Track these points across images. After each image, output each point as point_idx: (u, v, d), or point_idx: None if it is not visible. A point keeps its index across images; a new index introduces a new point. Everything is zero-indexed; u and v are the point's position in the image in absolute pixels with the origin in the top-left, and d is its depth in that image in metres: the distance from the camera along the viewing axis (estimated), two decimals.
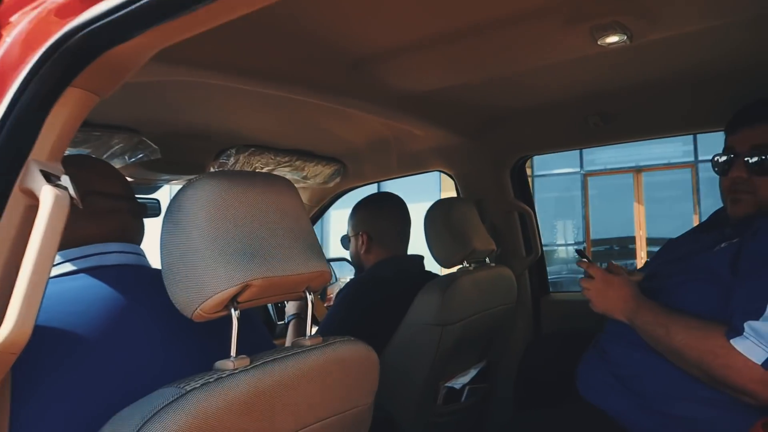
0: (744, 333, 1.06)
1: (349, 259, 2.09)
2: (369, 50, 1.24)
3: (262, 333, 1.07)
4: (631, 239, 8.67)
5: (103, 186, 1.00)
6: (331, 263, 2.65)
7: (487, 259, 1.91)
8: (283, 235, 0.88)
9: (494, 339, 1.94)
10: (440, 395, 1.72)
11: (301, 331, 1.93)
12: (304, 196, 2.55)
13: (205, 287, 0.77)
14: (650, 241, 8.50)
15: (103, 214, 0.97)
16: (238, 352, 0.80)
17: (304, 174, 2.21)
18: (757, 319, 1.06)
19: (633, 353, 1.30)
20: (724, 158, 1.34)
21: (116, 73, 0.72)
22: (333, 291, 2.47)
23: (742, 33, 1.23)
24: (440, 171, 2.17)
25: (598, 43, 1.20)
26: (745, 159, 1.28)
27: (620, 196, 8.98)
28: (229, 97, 1.44)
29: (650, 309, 1.25)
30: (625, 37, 1.17)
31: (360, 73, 1.34)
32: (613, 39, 1.18)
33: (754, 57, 1.36)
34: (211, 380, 0.75)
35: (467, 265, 1.80)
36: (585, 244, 8.92)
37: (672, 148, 8.57)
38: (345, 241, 2.04)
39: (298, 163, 2.12)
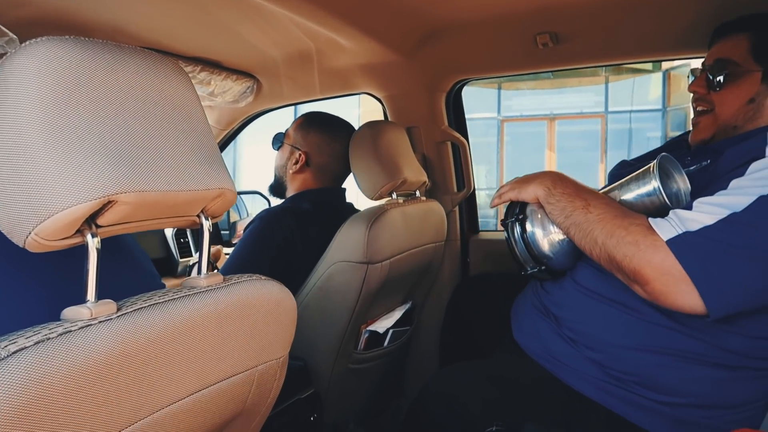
0: (667, 218, 0.98)
1: (272, 180, 1.78)
2: None
3: (142, 268, 0.83)
4: None
5: None
6: (242, 196, 2.37)
7: (418, 192, 1.74)
8: (168, 134, 0.63)
9: (421, 279, 1.79)
10: (361, 340, 1.55)
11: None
12: (211, 118, 2.23)
13: (43, 202, 0.54)
14: None
15: None
16: (101, 295, 0.59)
17: (211, 90, 1.90)
18: (684, 209, 0.98)
19: (575, 294, 1.17)
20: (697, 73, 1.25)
21: None
22: (244, 227, 2.19)
23: None
24: (368, 93, 1.93)
25: None
26: (708, 73, 1.19)
27: (533, 144, 9.14)
28: None
29: (573, 183, 1.14)
30: None
31: None
32: None
33: None
34: (52, 336, 0.53)
35: (396, 198, 1.61)
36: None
37: (584, 98, 8.76)
38: (277, 142, 1.74)
39: (202, 75, 1.82)
